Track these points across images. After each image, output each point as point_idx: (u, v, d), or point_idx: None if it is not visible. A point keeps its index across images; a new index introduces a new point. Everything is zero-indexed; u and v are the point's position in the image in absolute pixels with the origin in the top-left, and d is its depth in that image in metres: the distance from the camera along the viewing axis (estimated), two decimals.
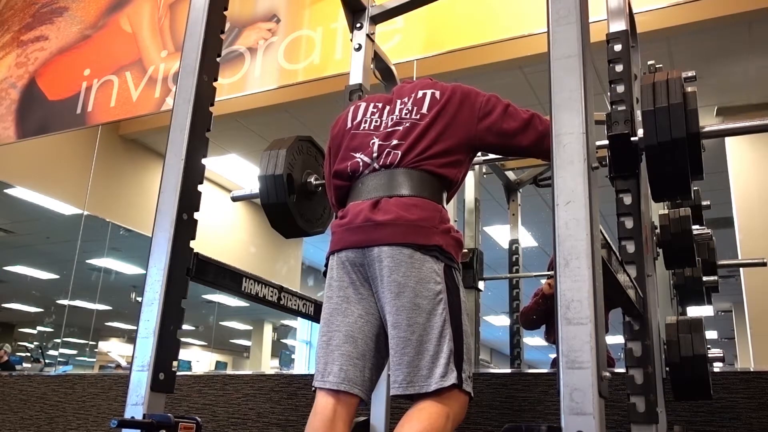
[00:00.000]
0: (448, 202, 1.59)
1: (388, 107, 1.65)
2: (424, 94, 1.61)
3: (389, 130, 1.58)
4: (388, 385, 2.08)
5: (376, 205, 1.48)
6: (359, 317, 1.47)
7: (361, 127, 1.64)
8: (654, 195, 1.66)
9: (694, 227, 2.13)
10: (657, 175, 1.58)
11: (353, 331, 1.46)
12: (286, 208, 2.00)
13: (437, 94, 1.60)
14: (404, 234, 1.42)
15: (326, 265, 1.56)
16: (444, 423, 1.35)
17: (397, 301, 1.40)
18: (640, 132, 1.58)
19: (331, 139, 1.71)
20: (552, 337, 2.91)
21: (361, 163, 1.57)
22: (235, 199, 2.31)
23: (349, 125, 1.67)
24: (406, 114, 1.59)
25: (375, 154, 1.56)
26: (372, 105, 1.68)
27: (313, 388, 1.48)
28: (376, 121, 1.63)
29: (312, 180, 2.10)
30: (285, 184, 1.97)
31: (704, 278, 2.46)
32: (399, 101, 1.64)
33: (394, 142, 1.55)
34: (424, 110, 1.58)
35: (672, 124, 1.49)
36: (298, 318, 6.26)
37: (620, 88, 1.67)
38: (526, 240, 4.65)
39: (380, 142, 1.57)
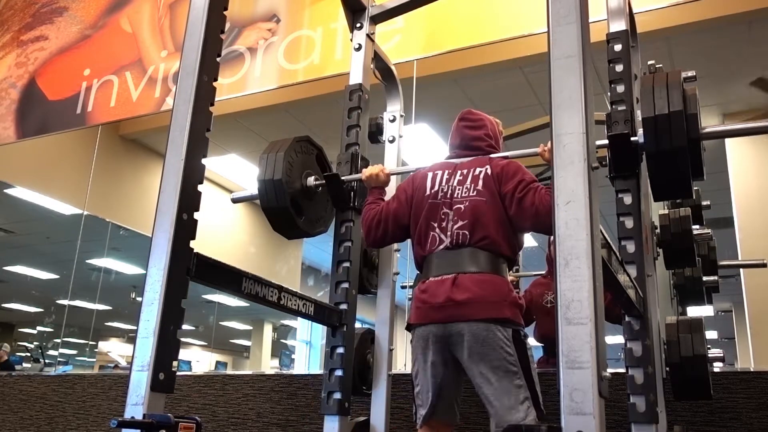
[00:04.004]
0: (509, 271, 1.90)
1: (453, 178, 1.90)
2: (480, 172, 1.87)
3: (456, 206, 1.85)
4: (389, 384, 2.09)
5: (454, 282, 1.77)
6: (444, 374, 1.80)
7: (439, 197, 1.90)
8: (655, 197, 1.66)
9: (694, 227, 2.13)
10: (658, 180, 1.58)
11: (440, 384, 1.80)
12: (286, 212, 2.00)
13: (489, 170, 1.86)
14: (480, 311, 1.73)
15: (408, 329, 1.90)
16: None
17: (478, 367, 1.72)
18: (640, 132, 1.58)
19: (411, 188, 1.97)
20: (540, 332, 2.90)
21: (438, 240, 1.86)
22: (235, 201, 2.30)
23: (427, 192, 1.92)
24: (465, 193, 1.86)
25: (448, 232, 1.84)
26: (445, 173, 1.92)
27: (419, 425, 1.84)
28: (445, 189, 1.89)
29: (312, 180, 2.10)
30: (284, 188, 1.97)
31: (704, 278, 2.46)
32: (459, 173, 1.90)
33: (460, 222, 1.83)
34: (480, 186, 1.84)
35: (672, 132, 1.49)
36: (298, 318, 6.26)
37: (620, 88, 1.68)
38: (526, 240, 4.63)
39: (451, 222, 1.84)
